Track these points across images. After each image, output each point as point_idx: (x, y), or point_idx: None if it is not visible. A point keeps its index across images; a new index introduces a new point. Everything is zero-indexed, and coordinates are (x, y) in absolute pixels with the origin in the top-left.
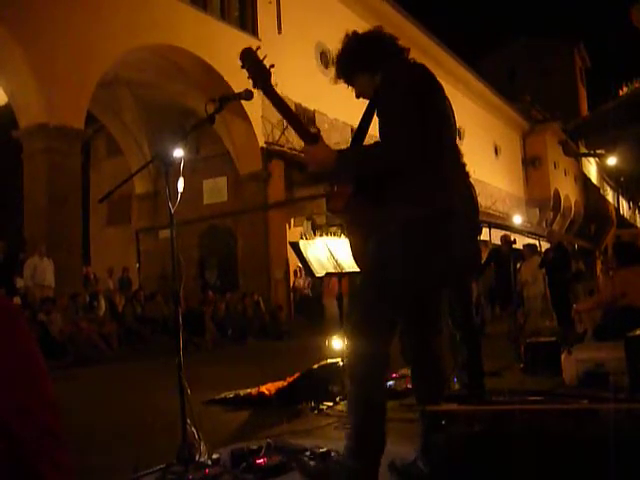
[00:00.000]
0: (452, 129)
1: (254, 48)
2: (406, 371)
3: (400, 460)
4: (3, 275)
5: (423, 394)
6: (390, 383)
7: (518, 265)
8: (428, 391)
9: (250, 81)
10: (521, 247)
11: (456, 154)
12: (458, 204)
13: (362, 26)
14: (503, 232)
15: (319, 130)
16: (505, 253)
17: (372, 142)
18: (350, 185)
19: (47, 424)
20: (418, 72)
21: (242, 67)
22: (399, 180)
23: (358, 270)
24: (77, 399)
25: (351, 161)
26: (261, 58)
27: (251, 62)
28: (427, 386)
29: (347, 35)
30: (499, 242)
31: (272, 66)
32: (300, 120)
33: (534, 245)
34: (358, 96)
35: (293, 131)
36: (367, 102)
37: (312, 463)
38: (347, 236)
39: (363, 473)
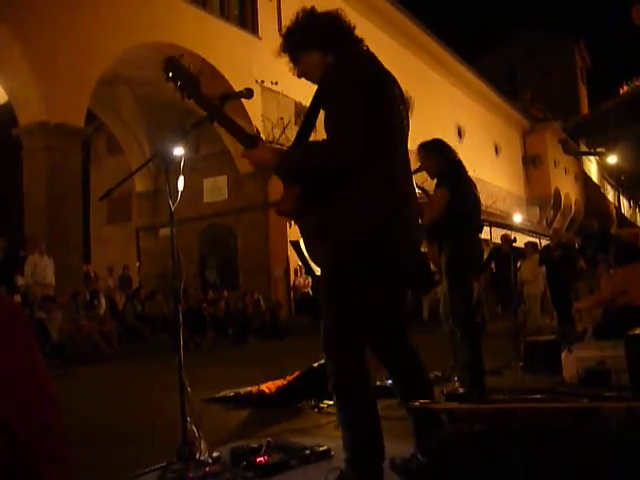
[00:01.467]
0: (403, 125)
1: (178, 56)
2: None
3: (400, 458)
4: (3, 273)
5: (405, 391)
6: (388, 382)
7: (519, 264)
8: (409, 387)
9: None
10: (522, 245)
11: (405, 154)
12: (408, 202)
13: (363, 24)
14: (503, 231)
15: (258, 132)
16: (505, 252)
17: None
18: (297, 186)
19: (48, 422)
20: (369, 64)
21: (167, 78)
22: (345, 180)
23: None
24: (77, 397)
25: (292, 163)
26: (187, 66)
27: (177, 71)
28: (407, 382)
29: (304, 9)
30: (499, 241)
31: (200, 72)
32: (237, 124)
33: (535, 243)
34: (300, 76)
35: (232, 135)
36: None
37: None
38: (301, 238)
39: None
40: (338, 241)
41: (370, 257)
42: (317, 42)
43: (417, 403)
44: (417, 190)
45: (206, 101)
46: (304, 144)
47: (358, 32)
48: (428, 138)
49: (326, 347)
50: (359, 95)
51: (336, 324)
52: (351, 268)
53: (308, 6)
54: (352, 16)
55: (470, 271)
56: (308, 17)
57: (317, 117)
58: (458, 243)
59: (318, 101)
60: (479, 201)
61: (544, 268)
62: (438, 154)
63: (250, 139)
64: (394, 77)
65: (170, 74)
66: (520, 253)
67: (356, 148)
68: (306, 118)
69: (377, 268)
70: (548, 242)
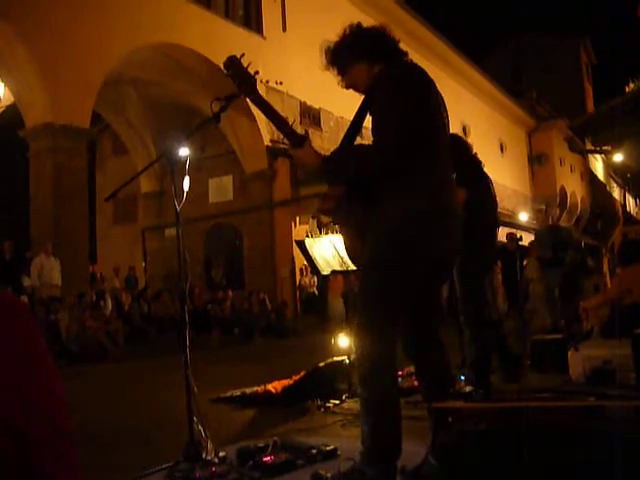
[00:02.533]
0: (447, 130)
1: (238, 56)
2: (411, 369)
3: (411, 463)
4: (10, 274)
5: (429, 390)
6: (398, 379)
7: (525, 262)
8: (434, 387)
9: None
10: (527, 244)
11: (449, 155)
12: (453, 202)
13: (368, 23)
14: (508, 229)
15: (307, 132)
16: (511, 251)
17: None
18: (341, 186)
19: (55, 422)
20: (417, 73)
21: (227, 75)
22: (392, 180)
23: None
24: (83, 397)
25: (338, 165)
26: (245, 65)
27: (235, 70)
28: (432, 381)
29: (351, 24)
30: (505, 240)
31: (257, 72)
32: (287, 123)
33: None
34: (348, 87)
35: (282, 134)
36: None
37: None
38: (341, 235)
39: (378, 479)
40: (390, 227)
41: (412, 254)
42: (365, 54)
43: (439, 403)
44: None
45: (261, 101)
46: (350, 147)
47: None
48: None
49: (361, 331)
50: (406, 101)
51: (375, 308)
52: (393, 260)
53: (313, 7)
54: (357, 15)
55: (483, 271)
56: (356, 31)
57: (363, 122)
58: (472, 242)
59: (366, 107)
60: (495, 197)
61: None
62: (452, 152)
63: (299, 138)
64: (435, 85)
65: (230, 71)
66: (524, 252)
67: (399, 152)
68: (353, 122)
69: (420, 263)
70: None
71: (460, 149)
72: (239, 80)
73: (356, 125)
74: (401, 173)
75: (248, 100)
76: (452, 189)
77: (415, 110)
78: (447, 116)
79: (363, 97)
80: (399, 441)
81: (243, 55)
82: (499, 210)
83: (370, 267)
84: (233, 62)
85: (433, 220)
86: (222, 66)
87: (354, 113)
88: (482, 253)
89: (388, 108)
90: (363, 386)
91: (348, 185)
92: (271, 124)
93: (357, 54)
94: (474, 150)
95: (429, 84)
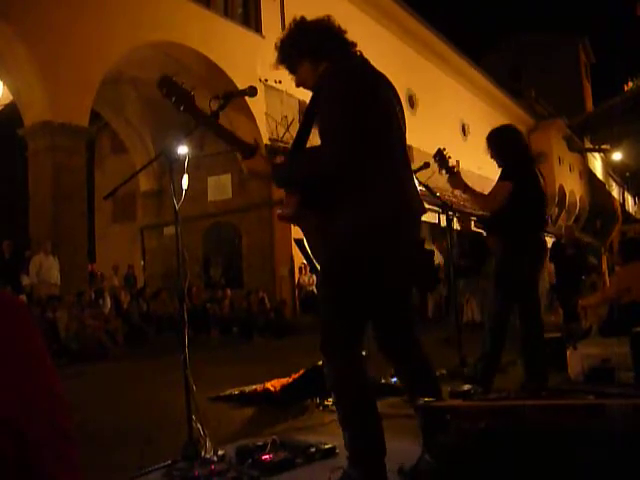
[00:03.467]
0: (399, 126)
1: (170, 75)
2: None
3: (409, 463)
4: (9, 273)
5: (412, 388)
6: (393, 380)
7: None
8: (417, 386)
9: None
10: None
11: (403, 153)
12: (410, 201)
13: (366, 22)
14: None
15: (257, 142)
16: None
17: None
18: (296, 191)
19: (55, 421)
20: (360, 70)
21: (163, 95)
22: (341, 185)
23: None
24: (82, 396)
25: (287, 172)
26: (180, 83)
27: (171, 88)
28: (415, 381)
29: (294, 20)
30: None
31: (193, 89)
32: (235, 136)
33: None
34: (298, 85)
35: (230, 146)
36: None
37: None
38: (306, 242)
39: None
40: (340, 243)
41: (371, 258)
42: (307, 52)
43: (423, 401)
44: (420, 187)
45: (202, 115)
46: (298, 152)
47: (362, 31)
48: (432, 136)
49: (323, 346)
50: (349, 102)
51: (333, 323)
52: (351, 269)
53: (312, 6)
54: (356, 14)
55: (519, 272)
56: (297, 28)
57: (312, 124)
58: (512, 243)
59: (313, 108)
60: (543, 197)
61: (551, 265)
62: (503, 145)
63: (248, 148)
64: (387, 79)
65: (164, 91)
66: None
67: (342, 155)
68: (302, 125)
69: (378, 269)
70: (553, 239)
71: (511, 145)
72: (176, 97)
73: (306, 127)
74: (349, 176)
75: (190, 115)
76: (406, 188)
77: (359, 110)
78: (400, 110)
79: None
80: (381, 442)
81: (175, 74)
82: None
83: (324, 282)
84: (167, 82)
85: (386, 226)
86: (157, 86)
87: (302, 116)
88: (518, 256)
89: (331, 109)
90: (335, 395)
91: (301, 192)
92: (219, 138)
93: (299, 54)
94: (473, 149)
95: (375, 79)
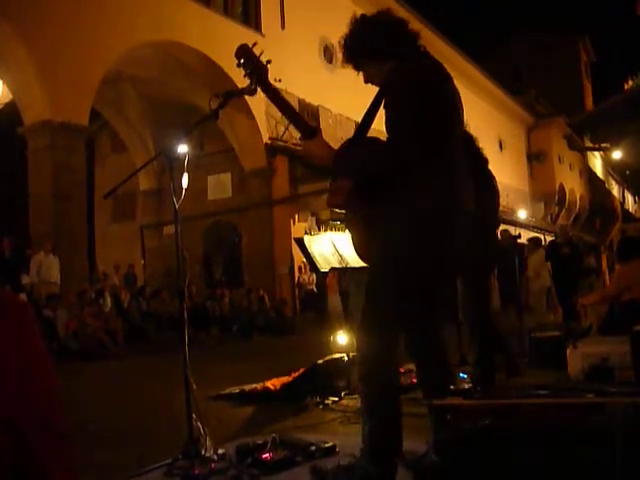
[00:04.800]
0: (462, 123)
1: (250, 45)
2: (411, 366)
3: (410, 454)
4: (9, 272)
5: (429, 388)
6: (398, 377)
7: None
8: (435, 385)
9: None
10: (525, 242)
11: (463, 152)
12: (467, 200)
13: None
14: (507, 227)
15: (318, 124)
16: (506, 248)
17: (374, 137)
18: (349, 180)
19: (53, 421)
20: (431, 68)
21: (238, 65)
22: (405, 176)
23: (362, 265)
24: (82, 395)
25: (350, 161)
26: (257, 54)
27: (247, 59)
28: (433, 380)
29: (355, 18)
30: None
31: (269, 62)
32: (299, 114)
33: (537, 239)
34: (367, 81)
35: (293, 125)
36: (370, 95)
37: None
38: (348, 230)
39: (379, 476)
40: (397, 234)
41: (424, 252)
42: (369, 52)
43: (439, 401)
44: None
45: (272, 90)
46: (363, 142)
47: None
48: None
49: (362, 334)
50: (418, 98)
51: (379, 313)
52: (404, 259)
53: (312, 4)
54: (354, 13)
55: (485, 269)
56: (362, 27)
57: (374, 117)
58: (475, 240)
59: (378, 102)
60: (497, 196)
61: (549, 264)
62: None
63: (310, 130)
64: (451, 78)
65: (241, 60)
66: (522, 249)
67: (412, 150)
68: (364, 117)
69: (428, 262)
70: (553, 238)
71: (467, 144)
72: (250, 69)
73: (368, 120)
74: (414, 171)
75: (259, 89)
76: (466, 187)
77: (429, 107)
78: (463, 112)
79: (376, 93)
80: (400, 439)
81: (255, 44)
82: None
83: (379, 267)
84: (244, 51)
85: (445, 220)
86: (234, 54)
87: (367, 108)
88: (484, 251)
89: (402, 105)
90: (364, 384)
91: (357, 181)
92: (283, 115)
93: (366, 54)
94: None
95: (444, 79)
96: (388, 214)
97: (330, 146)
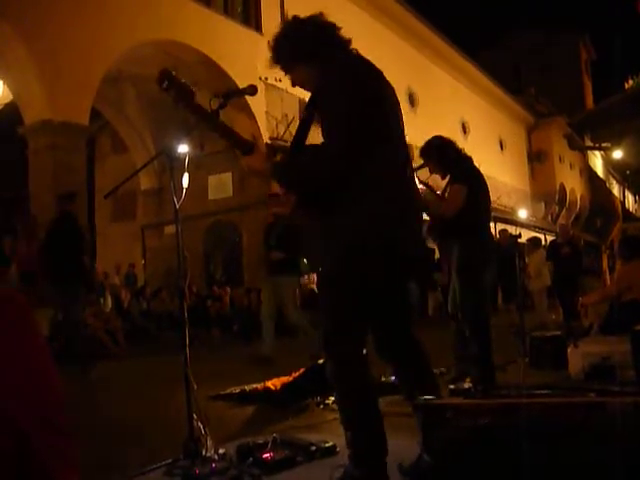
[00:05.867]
0: (400, 124)
1: (170, 70)
2: None
3: (408, 460)
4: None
5: (410, 388)
6: (392, 378)
7: (527, 258)
8: (415, 385)
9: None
10: (524, 242)
11: (405, 151)
12: (408, 204)
13: (366, 20)
14: (508, 226)
15: (255, 139)
16: (505, 248)
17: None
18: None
19: (54, 418)
20: (361, 68)
21: (162, 89)
22: (342, 185)
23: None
24: (83, 395)
25: (287, 171)
26: (180, 79)
27: (171, 83)
28: (413, 380)
29: (286, 20)
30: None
31: (195, 84)
32: (233, 131)
33: (537, 239)
34: (294, 85)
35: (230, 143)
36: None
37: None
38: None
39: (370, 479)
40: (341, 244)
41: (374, 259)
42: (303, 54)
43: (422, 399)
44: (420, 186)
45: (201, 110)
46: (296, 153)
47: (362, 29)
48: (432, 134)
49: (325, 344)
50: (354, 97)
51: (338, 322)
52: (353, 269)
53: (312, 4)
54: (355, 12)
55: (482, 269)
56: (290, 29)
57: (311, 124)
58: (470, 240)
59: (311, 108)
60: (489, 196)
61: (549, 263)
62: (438, 155)
63: (247, 145)
64: (384, 77)
65: (165, 85)
66: (522, 248)
67: (345, 156)
68: (300, 125)
69: (380, 269)
70: (554, 237)
71: (446, 150)
72: (176, 93)
73: (304, 127)
74: (351, 177)
75: (188, 112)
76: (408, 188)
77: (364, 105)
78: (400, 109)
79: (309, 97)
80: (382, 439)
81: (175, 69)
82: (498, 207)
83: (325, 281)
84: (167, 75)
85: (392, 221)
86: (156, 80)
87: (301, 115)
88: (479, 252)
89: (336, 105)
90: (337, 390)
91: (299, 191)
92: (218, 135)
93: (294, 56)
94: (473, 147)
95: (375, 78)
96: (328, 226)
97: (270, 159)
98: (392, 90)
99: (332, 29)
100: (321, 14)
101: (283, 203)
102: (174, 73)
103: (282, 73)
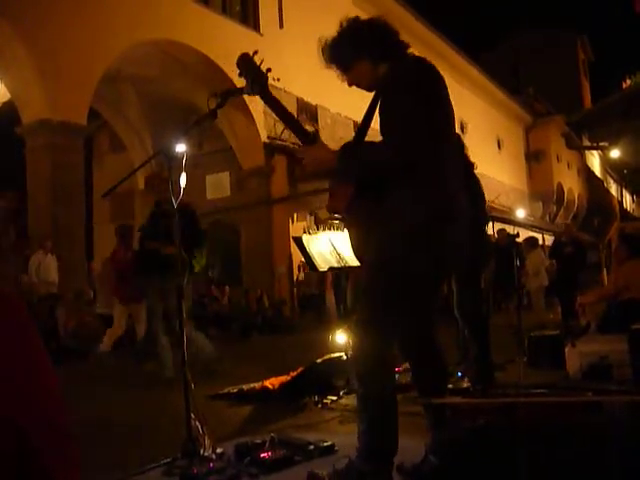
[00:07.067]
0: (454, 126)
1: (251, 53)
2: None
3: (409, 460)
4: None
5: (426, 387)
6: (395, 376)
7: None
8: (431, 384)
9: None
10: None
11: (458, 152)
12: (462, 203)
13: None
14: (506, 226)
15: (317, 130)
16: (503, 247)
17: (376, 139)
18: (349, 184)
19: (53, 418)
20: (426, 69)
21: (239, 74)
22: (403, 180)
23: (360, 265)
24: (81, 394)
25: (355, 162)
26: (258, 63)
27: (248, 68)
28: (430, 379)
29: (349, 18)
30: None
31: (269, 70)
32: (297, 121)
33: (534, 238)
34: (351, 84)
35: (293, 132)
36: (368, 95)
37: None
38: (348, 232)
39: (375, 476)
40: (394, 235)
41: (421, 252)
42: (366, 51)
43: (433, 400)
44: None
45: (272, 99)
46: (362, 145)
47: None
48: None
49: (359, 331)
50: (420, 98)
51: (377, 312)
52: (402, 260)
53: (309, 3)
54: (353, 11)
55: (480, 267)
56: (354, 27)
57: (371, 121)
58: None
59: (374, 107)
60: (484, 195)
61: (547, 263)
62: None
63: (308, 136)
64: (444, 79)
65: (242, 69)
66: (520, 247)
67: (421, 148)
68: (363, 121)
69: (426, 263)
70: (553, 237)
71: (461, 148)
72: (251, 78)
73: (366, 124)
74: (413, 172)
75: (259, 98)
76: (462, 187)
77: (426, 107)
78: (453, 112)
79: (373, 95)
80: (395, 439)
81: (256, 52)
82: (496, 206)
83: (378, 267)
84: (245, 60)
85: (445, 221)
86: (236, 63)
87: (364, 111)
88: (477, 249)
89: (400, 106)
90: (360, 384)
91: (358, 183)
92: (283, 123)
93: (358, 52)
94: (471, 147)
95: (438, 79)
96: (386, 216)
97: (330, 149)
98: (448, 94)
99: (393, 31)
100: (384, 17)
101: (336, 197)
102: (254, 58)
103: (280, 72)
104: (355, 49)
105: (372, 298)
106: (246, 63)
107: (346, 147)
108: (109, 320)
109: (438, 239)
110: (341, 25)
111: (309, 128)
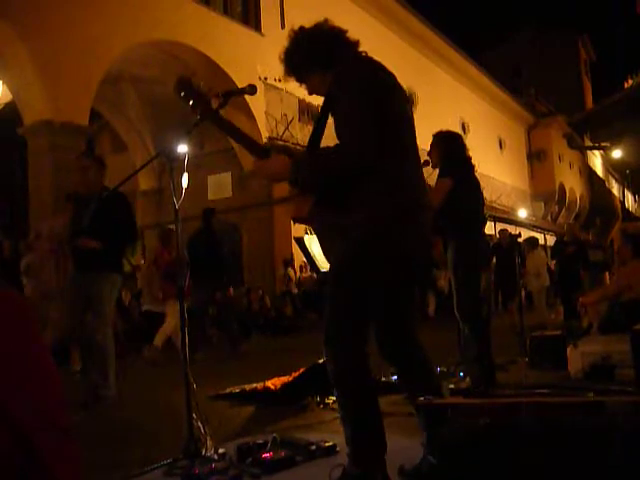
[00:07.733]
0: (411, 125)
1: (189, 75)
2: None
3: (409, 461)
4: (10, 273)
5: (413, 388)
6: (394, 378)
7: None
8: (417, 384)
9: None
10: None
11: (416, 149)
12: (421, 201)
13: (366, 20)
14: (508, 226)
15: (271, 145)
16: (505, 247)
17: (328, 146)
18: (310, 193)
19: (55, 417)
20: (371, 70)
21: (179, 98)
22: (360, 183)
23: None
24: (83, 394)
25: (306, 170)
26: (198, 85)
27: (188, 90)
28: (415, 379)
29: (293, 31)
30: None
31: (210, 89)
32: (249, 137)
33: (534, 239)
34: (311, 93)
35: (245, 149)
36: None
37: None
38: (317, 239)
39: (368, 478)
40: (355, 239)
41: (385, 255)
42: (314, 63)
43: (423, 399)
44: None
45: (218, 118)
46: (316, 152)
47: (362, 28)
48: (432, 134)
49: (329, 342)
50: (367, 99)
51: (344, 320)
52: (365, 264)
53: (311, 4)
54: (355, 12)
55: (478, 267)
56: (301, 39)
57: (325, 125)
58: (465, 239)
59: (327, 110)
60: (482, 196)
61: (549, 263)
62: (446, 146)
63: (262, 151)
64: (395, 76)
65: (182, 94)
66: (522, 248)
67: (370, 151)
68: (316, 126)
69: (390, 265)
70: (555, 237)
71: (453, 148)
72: (193, 101)
73: (319, 128)
74: (367, 175)
75: (208, 120)
76: (421, 185)
77: (380, 103)
78: (411, 108)
79: (323, 99)
80: (382, 439)
81: (194, 74)
82: (498, 206)
83: (335, 278)
84: (184, 83)
85: (401, 221)
86: (173, 89)
87: (317, 118)
88: (473, 251)
89: (352, 103)
90: (337, 387)
91: (316, 191)
92: (234, 140)
93: (306, 65)
94: (473, 147)
95: (390, 76)
96: (343, 224)
97: (284, 162)
98: (404, 91)
99: (340, 33)
100: (326, 20)
101: (298, 205)
102: (192, 80)
103: (282, 73)
104: (302, 62)
105: (335, 308)
106: (185, 86)
107: (297, 158)
108: (153, 317)
109: (394, 241)
110: (290, 38)
111: (300, 128)
